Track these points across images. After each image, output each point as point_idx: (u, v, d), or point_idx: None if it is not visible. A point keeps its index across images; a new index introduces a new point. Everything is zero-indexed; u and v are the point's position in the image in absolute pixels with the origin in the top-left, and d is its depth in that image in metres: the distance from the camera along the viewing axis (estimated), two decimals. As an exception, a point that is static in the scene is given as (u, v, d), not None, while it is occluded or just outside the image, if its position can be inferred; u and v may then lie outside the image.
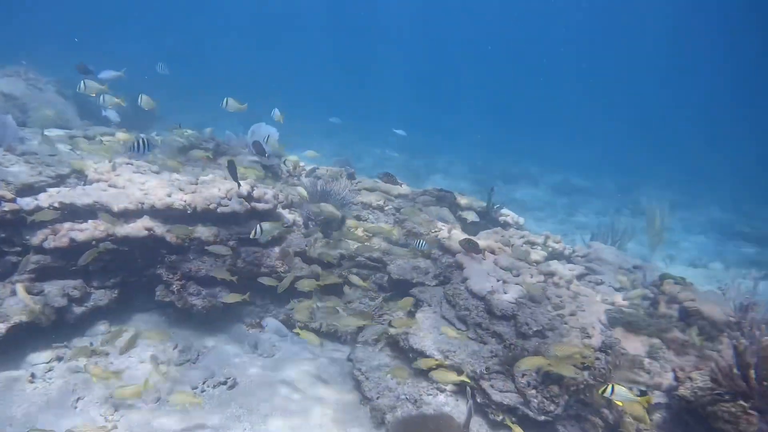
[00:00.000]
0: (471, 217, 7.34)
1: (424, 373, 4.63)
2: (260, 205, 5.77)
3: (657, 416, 3.83)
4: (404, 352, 4.93)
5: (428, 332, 4.99)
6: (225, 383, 4.53)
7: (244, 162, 7.06)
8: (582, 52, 52.88)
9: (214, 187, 5.67)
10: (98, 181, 5.54)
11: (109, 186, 5.47)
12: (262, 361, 5.01)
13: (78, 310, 4.81)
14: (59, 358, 4.50)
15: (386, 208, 7.48)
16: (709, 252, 12.88)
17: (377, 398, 4.53)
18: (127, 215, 5.12)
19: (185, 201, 5.33)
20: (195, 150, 6.95)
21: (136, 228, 5.03)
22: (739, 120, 40.79)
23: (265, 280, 5.17)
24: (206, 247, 5.25)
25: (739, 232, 14.66)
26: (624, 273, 6.47)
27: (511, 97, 47.40)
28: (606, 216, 14.32)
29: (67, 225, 4.91)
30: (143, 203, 5.19)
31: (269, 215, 5.92)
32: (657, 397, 4.00)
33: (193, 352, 4.89)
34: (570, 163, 22.50)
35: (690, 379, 3.54)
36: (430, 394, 4.56)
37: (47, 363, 4.44)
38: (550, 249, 7.30)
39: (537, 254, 6.81)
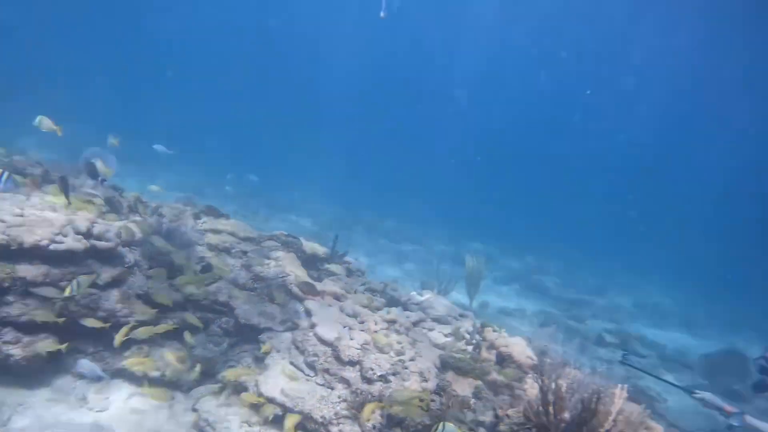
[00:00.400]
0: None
1: (275, 422, 4.71)
2: (101, 244, 5.36)
3: (481, 449, 4.45)
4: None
5: (277, 379, 5.07)
6: (48, 444, 4.05)
7: (81, 193, 6.46)
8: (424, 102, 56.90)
9: (46, 220, 5.12)
10: None
11: None
12: (93, 416, 4.58)
13: None
14: None
15: (233, 250, 7.42)
16: (512, 301, 14.98)
17: (224, 450, 4.46)
18: (-70, 248, 4.37)
19: (8, 235, 4.73)
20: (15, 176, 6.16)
21: (-57, 264, 4.32)
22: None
23: (89, 322, 4.78)
24: (31, 289, 4.70)
25: (533, 285, 17.30)
26: (452, 320, 7.32)
27: (356, 143, 49.24)
28: (432, 264, 15.77)
29: None
30: (-46, 235, 4.49)
31: (111, 254, 5.51)
32: (481, 433, 4.64)
33: (4, 411, 4.27)
34: (403, 211, 24.37)
35: (507, 416, 4.24)
36: (279, 442, 4.64)
37: None
38: (388, 296, 7.93)
39: (377, 301, 7.34)
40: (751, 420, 4.63)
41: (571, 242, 26.17)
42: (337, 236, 8.68)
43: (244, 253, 7.39)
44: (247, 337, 6.09)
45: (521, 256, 21.60)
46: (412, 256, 17.35)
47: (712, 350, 11.98)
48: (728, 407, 4.84)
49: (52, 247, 4.92)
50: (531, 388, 5.20)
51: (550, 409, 3.90)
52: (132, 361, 5.02)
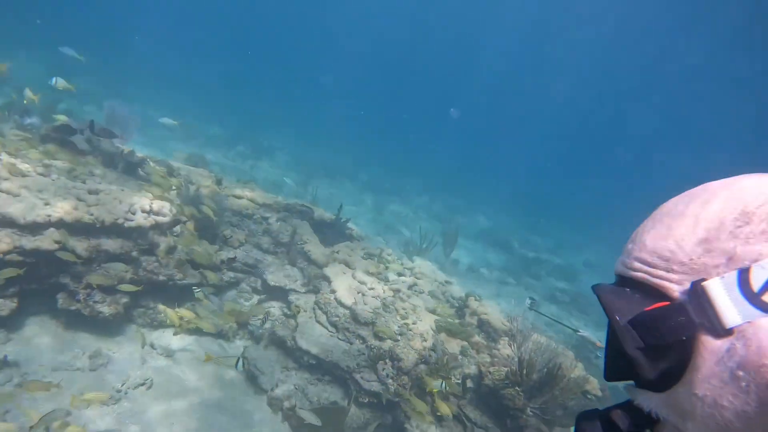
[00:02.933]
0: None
1: (309, 367, 6.03)
2: (160, 218, 6.32)
3: (469, 396, 5.91)
4: (290, 351, 6.22)
5: (310, 335, 6.35)
6: (144, 384, 5.23)
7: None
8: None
9: (116, 200, 6.03)
10: (-12, 183, 5.43)
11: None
12: (164, 361, 5.76)
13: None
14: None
15: (254, 216, 8.44)
16: (478, 258, 16.57)
17: (272, 389, 5.76)
18: (34, 228, 5.26)
19: (93, 215, 5.65)
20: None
21: (47, 241, 5.24)
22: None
23: (125, 287, 5.69)
24: (103, 265, 5.69)
25: (498, 242, 18.91)
26: (440, 285, 8.70)
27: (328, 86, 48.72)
28: (411, 219, 17.06)
29: (-32, 233, 4.90)
30: (50, 216, 5.37)
31: (168, 227, 6.49)
32: (470, 383, 6.10)
33: (103, 356, 5.39)
34: (380, 159, 25.25)
35: (490, 373, 5.67)
36: (312, 384, 5.98)
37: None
38: (384, 260, 9.20)
39: (376, 267, 8.59)
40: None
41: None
42: (342, 205, 9.77)
43: (265, 219, 8.43)
44: (273, 295, 7.30)
45: (486, 211, 23.15)
46: (392, 210, 18.56)
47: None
48: (598, 342, 6.54)
49: (126, 225, 5.88)
50: (503, 348, 6.69)
51: (524, 371, 5.34)
52: (174, 316, 6.05)
